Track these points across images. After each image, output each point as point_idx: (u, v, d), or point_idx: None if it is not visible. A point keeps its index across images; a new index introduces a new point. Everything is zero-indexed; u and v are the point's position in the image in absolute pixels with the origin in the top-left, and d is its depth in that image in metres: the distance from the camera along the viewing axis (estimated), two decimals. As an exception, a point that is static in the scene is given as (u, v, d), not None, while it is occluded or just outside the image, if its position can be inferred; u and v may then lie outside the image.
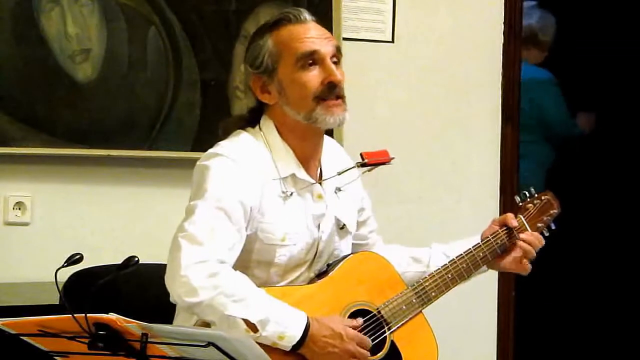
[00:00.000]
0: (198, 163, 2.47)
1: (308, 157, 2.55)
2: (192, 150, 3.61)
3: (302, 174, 2.53)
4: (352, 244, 2.69)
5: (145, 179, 3.65)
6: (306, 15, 2.52)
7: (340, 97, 2.48)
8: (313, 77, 2.47)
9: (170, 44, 3.63)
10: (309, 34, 2.48)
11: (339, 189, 2.62)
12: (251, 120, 2.57)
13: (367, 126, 3.87)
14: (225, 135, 2.56)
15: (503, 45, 4.24)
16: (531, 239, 2.72)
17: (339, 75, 2.48)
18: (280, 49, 2.48)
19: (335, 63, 2.50)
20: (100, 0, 3.52)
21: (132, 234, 3.58)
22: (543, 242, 2.75)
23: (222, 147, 2.49)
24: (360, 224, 2.73)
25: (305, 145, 2.54)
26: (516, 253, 2.72)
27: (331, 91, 2.47)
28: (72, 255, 2.07)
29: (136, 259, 2.04)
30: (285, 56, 2.47)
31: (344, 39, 3.83)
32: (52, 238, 3.48)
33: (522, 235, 2.72)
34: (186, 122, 3.65)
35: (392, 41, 4.05)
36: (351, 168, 2.62)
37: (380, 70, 4.03)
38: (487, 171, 4.23)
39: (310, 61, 2.47)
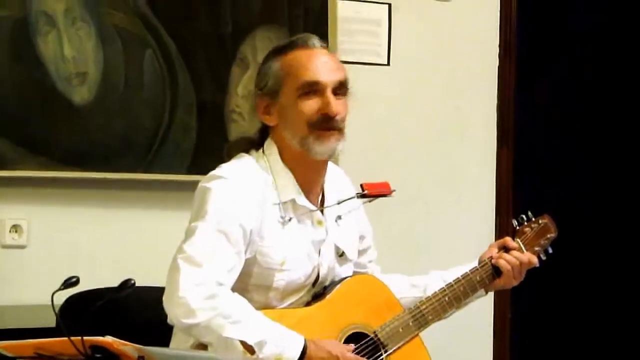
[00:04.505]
0: (199, 185, 2.47)
1: (309, 183, 2.55)
2: (188, 172, 3.62)
3: (302, 200, 2.52)
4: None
5: (142, 201, 3.64)
6: (315, 41, 2.52)
7: (335, 128, 2.48)
8: (310, 105, 2.47)
9: (167, 66, 3.63)
10: (315, 61, 2.49)
11: (339, 217, 2.62)
12: (257, 142, 2.57)
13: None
14: (229, 157, 2.56)
15: (498, 68, 4.25)
16: (509, 258, 2.70)
17: (334, 108, 2.46)
18: (285, 74, 2.48)
19: (338, 94, 2.49)
20: (96, 23, 3.52)
21: (129, 256, 3.57)
22: (536, 262, 2.74)
23: (223, 169, 2.49)
24: (360, 253, 2.72)
25: (306, 171, 2.54)
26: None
27: (325, 122, 2.47)
28: (69, 278, 2.07)
29: (132, 281, 2.05)
30: (289, 81, 2.48)
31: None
32: (48, 261, 3.47)
33: (504, 254, 2.71)
34: (182, 144, 3.65)
35: (388, 64, 4.06)
36: (350, 198, 2.62)
37: (376, 94, 4.02)
38: (483, 194, 4.25)
39: (310, 90, 2.47)
